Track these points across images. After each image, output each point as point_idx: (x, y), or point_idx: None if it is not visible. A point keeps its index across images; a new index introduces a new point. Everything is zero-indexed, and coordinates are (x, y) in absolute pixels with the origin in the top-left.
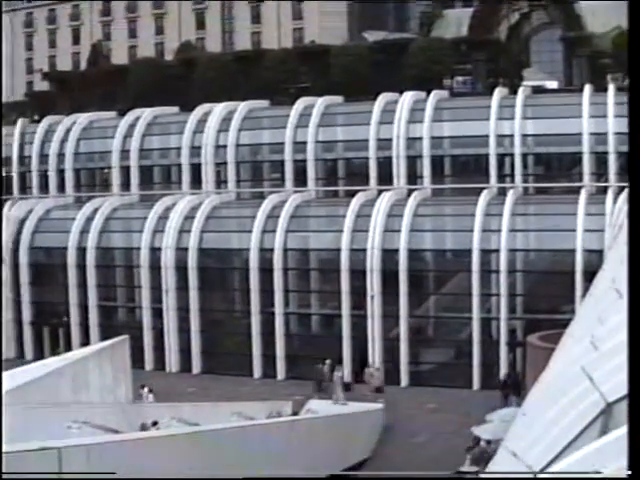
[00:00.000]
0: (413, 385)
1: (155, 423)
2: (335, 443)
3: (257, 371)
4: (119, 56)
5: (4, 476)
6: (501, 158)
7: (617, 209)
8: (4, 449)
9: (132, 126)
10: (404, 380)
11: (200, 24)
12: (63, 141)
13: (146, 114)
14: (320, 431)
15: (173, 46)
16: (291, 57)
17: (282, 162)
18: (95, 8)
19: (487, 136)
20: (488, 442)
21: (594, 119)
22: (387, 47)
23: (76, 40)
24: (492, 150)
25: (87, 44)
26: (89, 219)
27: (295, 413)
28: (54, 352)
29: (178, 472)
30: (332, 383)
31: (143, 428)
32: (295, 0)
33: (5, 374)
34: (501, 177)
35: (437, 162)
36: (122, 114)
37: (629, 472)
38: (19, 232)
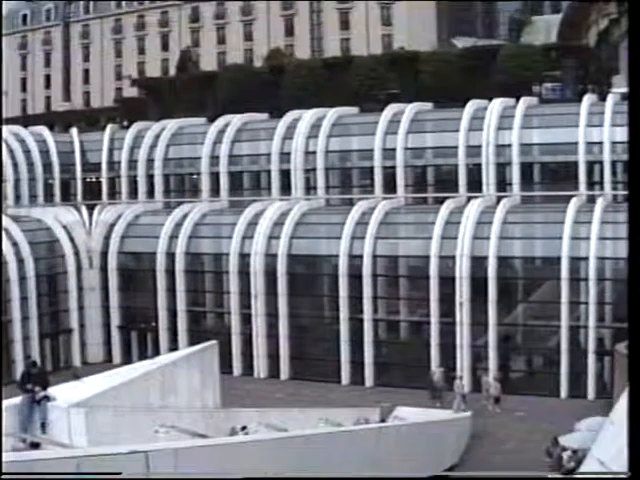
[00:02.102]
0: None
1: (244, 428)
2: (423, 450)
3: (345, 377)
4: (208, 62)
5: (4, 476)
6: (590, 165)
7: None
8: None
9: (221, 132)
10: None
11: (289, 30)
12: (152, 147)
13: (235, 120)
14: (408, 438)
15: (262, 52)
16: (380, 63)
17: (371, 169)
18: (184, 14)
19: (576, 143)
20: (574, 452)
21: None
22: (476, 53)
23: (165, 46)
24: (581, 157)
25: (176, 50)
26: (178, 224)
27: (382, 420)
28: (142, 356)
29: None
30: (440, 391)
31: (232, 433)
32: (384, 2)
33: (94, 377)
34: (590, 184)
35: (526, 169)
36: (211, 120)
37: (629, 472)
38: (108, 237)
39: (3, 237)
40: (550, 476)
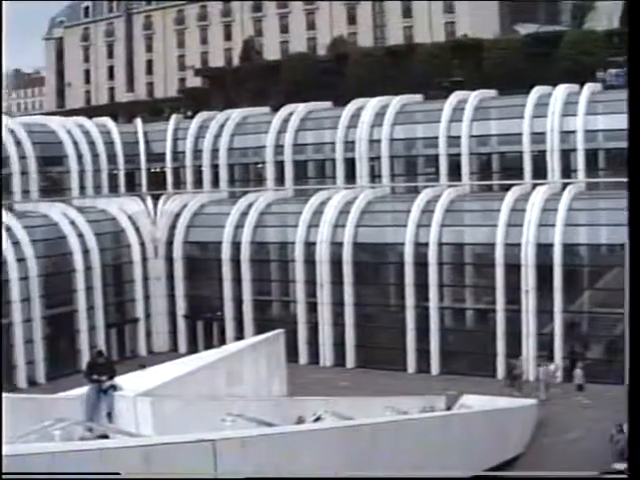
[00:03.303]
0: (567, 381)
1: (318, 418)
2: (489, 438)
3: (411, 366)
4: (271, 52)
5: (4, 476)
6: None
7: None
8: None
9: (286, 121)
10: (558, 376)
11: (351, 19)
12: (217, 136)
13: (300, 109)
14: (474, 426)
15: (325, 41)
16: (443, 51)
17: (436, 156)
18: (246, 4)
19: None
20: None
21: None
22: (539, 40)
23: (228, 36)
24: None
25: (239, 40)
26: (243, 214)
27: (449, 408)
28: (208, 346)
29: (332, 466)
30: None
31: (298, 421)
32: None
33: (160, 367)
34: None
35: (591, 155)
36: (275, 109)
37: (629, 472)
38: (173, 227)
39: (69, 228)
40: (553, 475)
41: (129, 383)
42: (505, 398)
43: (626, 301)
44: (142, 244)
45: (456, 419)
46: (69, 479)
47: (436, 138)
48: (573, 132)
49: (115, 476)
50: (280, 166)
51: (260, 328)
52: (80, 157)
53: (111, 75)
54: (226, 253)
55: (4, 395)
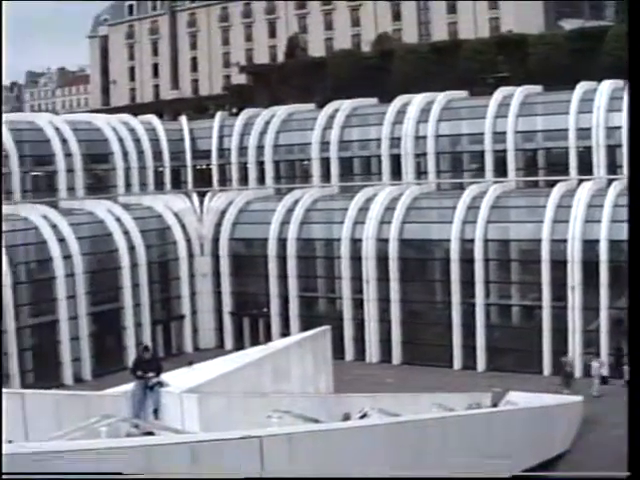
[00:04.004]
0: (614, 377)
1: (364, 415)
2: (535, 435)
3: (457, 362)
4: (316, 48)
5: (4, 476)
6: None
7: None
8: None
9: (331, 118)
10: (604, 372)
11: (396, 15)
12: (262, 133)
13: (345, 106)
14: (520, 423)
15: (370, 38)
16: (488, 47)
17: (482, 152)
18: (290, 1)
19: None
20: None
21: None
22: (584, 35)
23: (272, 33)
24: None
25: (283, 37)
26: (289, 210)
27: (495, 405)
28: (254, 342)
29: (378, 463)
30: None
31: (345, 418)
32: None
33: (206, 364)
34: None
35: None
36: (321, 106)
37: (629, 472)
38: (219, 223)
39: (115, 226)
40: (554, 475)
41: (175, 380)
42: (551, 395)
43: (627, 299)
44: (188, 241)
45: (502, 416)
46: (69, 479)
47: (481, 134)
48: (618, 128)
49: (117, 476)
50: (326, 163)
51: (306, 325)
52: (126, 154)
53: (156, 73)
54: (272, 250)
55: (53, 392)
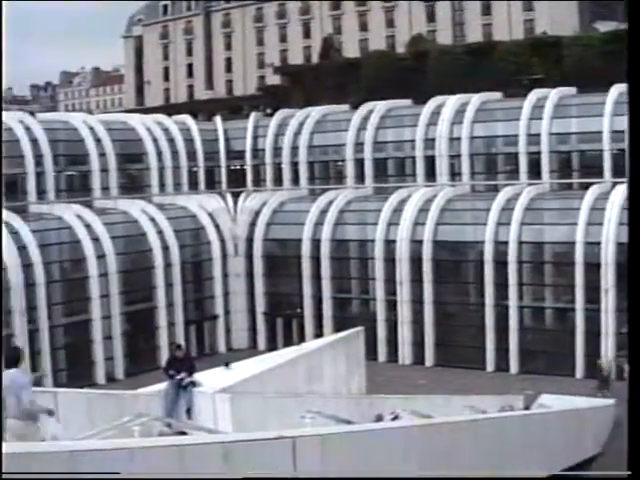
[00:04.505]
0: None
1: (395, 416)
2: (567, 438)
3: (490, 364)
4: (350, 49)
5: (4, 476)
6: None
7: None
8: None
9: (365, 119)
10: None
11: (430, 16)
12: (296, 134)
13: (379, 107)
14: (552, 426)
15: (404, 39)
16: (523, 49)
17: (516, 154)
18: (325, 2)
19: None
20: None
21: None
22: (618, 37)
23: (307, 34)
24: None
25: (318, 38)
26: (323, 211)
27: (527, 407)
28: (287, 343)
29: (410, 465)
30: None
31: (377, 419)
32: None
33: (239, 364)
34: None
35: None
36: (355, 107)
37: (629, 472)
38: (253, 224)
39: (149, 225)
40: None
41: (208, 379)
42: (583, 398)
43: (627, 300)
44: (222, 241)
45: (534, 419)
46: (68, 479)
47: (516, 136)
48: None
49: (115, 475)
50: (360, 164)
51: (339, 325)
52: (160, 154)
53: (190, 73)
54: (306, 250)
55: (85, 391)
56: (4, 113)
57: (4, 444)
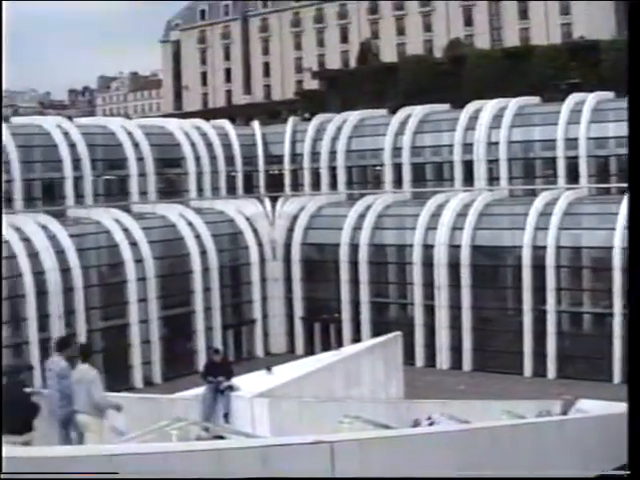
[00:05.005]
0: None
1: (429, 419)
2: (604, 443)
3: (527, 369)
4: (388, 54)
5: (3, 476)
6: None
7: None
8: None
9: (403, 123)
10: None
11: (468, 20)
12: (334, 139)
13: (417, 111)
14: (590, 431)
15: (442, 43)
16: (560, 53)
17: (554, 159)
18: (362, 6)
19: None
20: None
21: None
22: None
23: (344, 38)
24: None
25: (355, 42)
26: (361, 216)
27: (564, 413)
28: (325, 347)
29: (449, 469)
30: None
31: (415, 424)
32: None
33: (277, 368)
34: None
35: None
36: (393, 112)
37: (629, 472)
38: (291, 228)
39: (187, 230)
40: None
41: (246, 384)
42: (621, 403)
43: (627, 300)
44: (260, 245)
45: (572, 424)
46: (68, 479)
47: (554, 140)
48: None
49: (114, 476)
50: (398, 168)
51: (377, 330)
52: (198, 159)
53: (228, 77)
54: (344, 255)
55: (123, 394)
56: (42, 118)
57: (39, 447)
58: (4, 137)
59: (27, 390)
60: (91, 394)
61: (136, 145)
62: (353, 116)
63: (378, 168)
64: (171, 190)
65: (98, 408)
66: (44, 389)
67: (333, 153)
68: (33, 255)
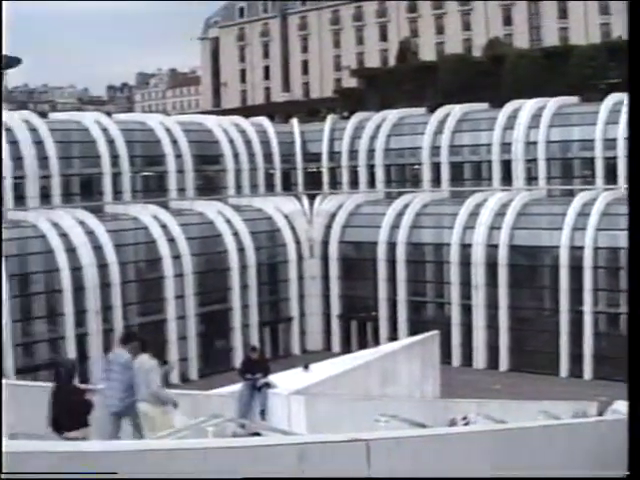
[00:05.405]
0: None
1: (464, 418)
2: None
3: (564, 370)
4: (427, 52)
5: (4, 476)
6: None
7: None
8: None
9: (442, 122)
10: None
11: (507, 20)
12: (373, 137)
13: (456, 110)
14: (625, 432)
15: (481, 42)
16: (599, 52)
17: (592, 159)
18: (401, 5)
19: None
20: None
21: None
22: None
23: (383, 37)
24: None
25: (394, 40)
26: (399, 214)
27: (600, 414)
28: (362, 346)
29: (483, 469)
30: None
31: (451, 424)
32: None
33: (315, 365)
34: None
35: None
36: (432, 110)
37: (629, 472)
38: (329, 226)
39: (225, 227)
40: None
41: (282, 381)
42: None
43: (627, 300)
44: (298, 243)
45: (608, 425)
46: (67, 479)
47: (592, 141)
48: None
49: (113, 476)
50: (436, 167)
51: (414, 329)
52: (236, 156)
53: (267, 75)
54: (381, 253)
55: None
56: (81, 114)
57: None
58: (43, 133)
59: (82, 386)
60: (149, 383)
61: (174, 142)
62: (392, 114)
63: (416, 167)
64: (209, 187)
65: (156, 397)
66: (101, 382)
67: (371, 151)
68: (71, 250)
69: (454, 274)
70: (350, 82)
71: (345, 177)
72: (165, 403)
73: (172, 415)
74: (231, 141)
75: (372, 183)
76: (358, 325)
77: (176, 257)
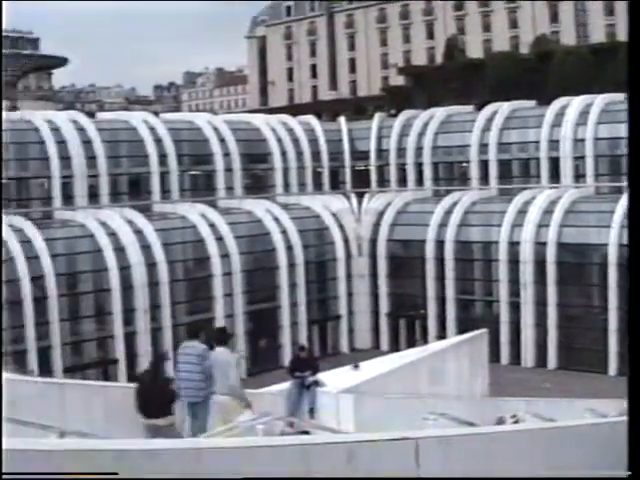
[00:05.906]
0: None
1: (514, 416)
2: None
3: (612, 368)
4: (474, 50)
5: (4, 476)
6: None
7: None
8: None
9: (490, 120)
10: None
11: (554, 17)
12: (421, 135)
13: (503, 108)
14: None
15: (528, 39)
16: None
17: None
18: (448, 3)
19: None
20: None
21: None
22: None
23: (430, 35)
24: None
25: (441, 38)
26: (448, 212)
27: None
28: (410, 344)
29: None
30: None
31: (499, 422)
32: None
33: (364, 363)
34: None
35: None
36: (479, 108)
37: (629, 472)
38: (377, 224)
39: (273, 225)
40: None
41: (331, 380)
42: None
43: (627, 301)
44: (346, 241)
45: (610, 425)
46: (65, 479)
47: None
48: None
49: (113, 476)
50: (484, 165)
51: (462, 327)
52: (284, 154)
53: (314, 73)
54: (430, 251)
55: None
56: (128, 113)
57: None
58: (91, 132)
59: (168, 376)
60: (227, 376)
61: (222, 140)
62: (439, 112)
63: (464, 164)
64: (257, 186)
65: (234, 391)
66: (177, 374)
67: (419, 149)
68: (119, 249)
69: (502, 272)
70: (397, 80)
71: (393, 175)
72: (240, 400)
73: (244, 413)
74: (279, 140)
75: (420, 181)
76: (406, 323)
77: (224, 256)
